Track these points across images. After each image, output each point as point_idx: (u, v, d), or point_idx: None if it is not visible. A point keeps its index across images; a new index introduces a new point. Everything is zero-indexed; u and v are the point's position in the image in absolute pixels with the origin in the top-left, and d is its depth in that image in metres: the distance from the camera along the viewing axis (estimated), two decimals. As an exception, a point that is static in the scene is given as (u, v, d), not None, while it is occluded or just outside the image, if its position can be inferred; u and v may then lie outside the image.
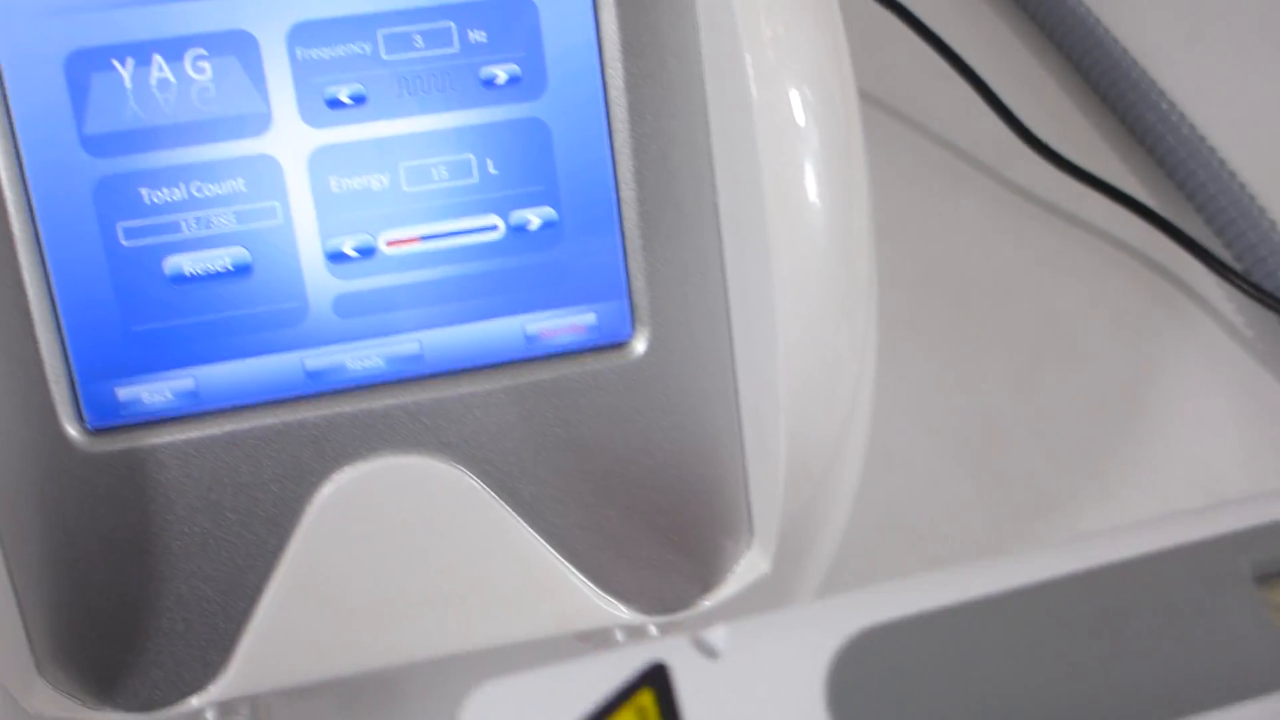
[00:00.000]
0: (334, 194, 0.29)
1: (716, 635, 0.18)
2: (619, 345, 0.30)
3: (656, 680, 0.17)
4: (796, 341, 0.29)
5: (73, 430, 0.29)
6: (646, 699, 0.17)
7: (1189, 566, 0.18)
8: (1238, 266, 0.44)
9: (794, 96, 0.28)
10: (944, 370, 0.43)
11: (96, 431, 0.29)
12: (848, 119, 0.29)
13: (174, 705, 0.30)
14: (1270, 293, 0.42)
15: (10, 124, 0.27)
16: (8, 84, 0.27)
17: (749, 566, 0.31)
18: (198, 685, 0.30)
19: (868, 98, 0.48)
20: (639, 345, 0.30)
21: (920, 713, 0.16)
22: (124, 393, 0.29)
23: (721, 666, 0.17)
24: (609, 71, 0.29)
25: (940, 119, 0.47)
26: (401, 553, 0.30)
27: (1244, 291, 0.43)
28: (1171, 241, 0.44)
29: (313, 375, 0.29)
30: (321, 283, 0.29)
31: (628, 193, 0.29)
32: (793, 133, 0.28)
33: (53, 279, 0.28)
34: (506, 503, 0.30)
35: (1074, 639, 0.17)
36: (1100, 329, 0.43)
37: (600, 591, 0.30)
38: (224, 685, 0.30)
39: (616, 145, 0.29)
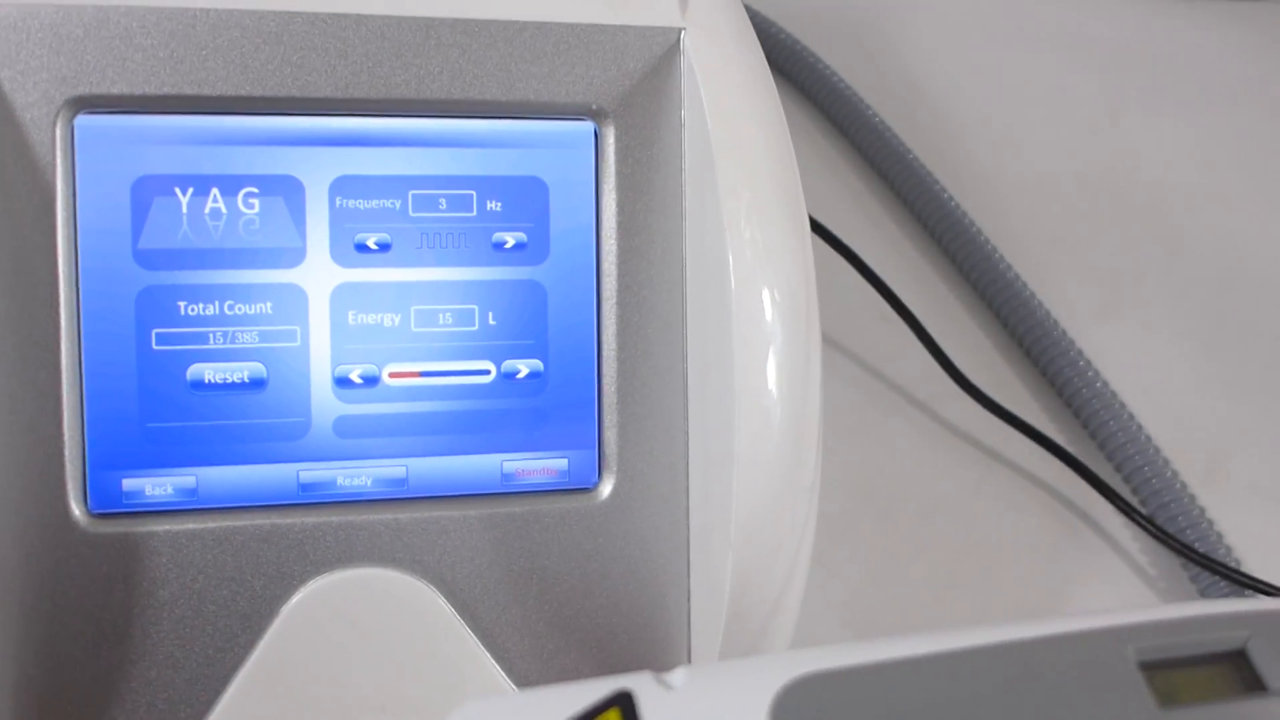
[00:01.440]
0: (349, 325, 0.32)
1: (675, 675, 0.20)
2: (586, 490, 0.33)
3: (622, 703, 0.19)
4: (748, 513, 0.32)
5: (77, 511, 0.31)
6: (613, 716, 0.19)
7: (1084, 648, 0.21)
8: (1143, 509, 0.48)
9: (765, 295, 0.32)
10: (871, 578, 0.46)
11: (99, 515, 0.31)
12: (809, 324, 0.32)
13: (125, 792, 0.31)
14: (1172, 535, 0.46)
15: (75, 231, 0.31)
16: (79, 197, 0.31)
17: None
18: (152, 773, 0.31)
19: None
20: (604, 491, 0.33)
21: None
22: (129, 483, 0.31)
23: (679, 695, 0.20)
24: (604, 247, 0.33)
25: (880, 356, 0.52)
26: (363, 660, 0.32)
27: (1148, 531, 0.47)
28: (1084, 481, 0.48)
29: (305, 487, 0.32)
30: (326, 404, 0.32)
31: (608, 355, 0.33)
32: (763, 327, 0.32)
33: (84, 371, 0.31)
34: (467, 624, 0.32)
35: (981, 698, 0.20)
36: (1015, 555, 0.47)
37: (544, 720, 0.32)
38: (177, 775, 0.31)
39: (603, 312, 0.33)
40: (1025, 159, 0.61)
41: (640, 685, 0.20)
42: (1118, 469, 0.49)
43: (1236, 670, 0.22)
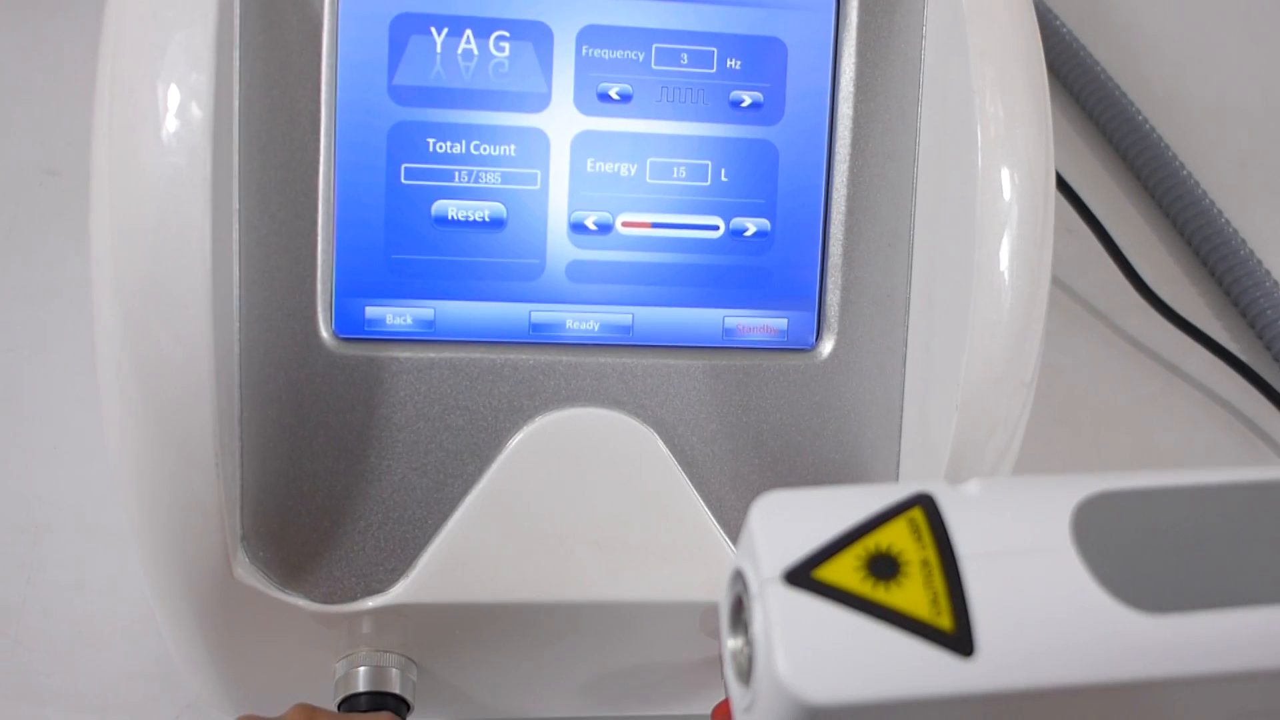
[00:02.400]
0: (587, 173, 0.33)
1: (970, 485, 0.21)
2: (804, 350, 0.34)
3: (925, 502, 0.20)
4: (971, 392, 0.32)
5: (325, 334, 0.32)
6: (917, 514, 0.20)
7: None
8: (1325, 431, 0.47)
9: (1006, 174, 0.31)
10: (1047, 477, 0.46)
11: (344, 339, 0.32)
12: (1045, 209, 0.32)
13: (352, 603, 0.32)
14: (1354, 458, 0.46)
15: (335, 66, 0.32)
16: (341, 31, 0.32)
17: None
18: (378, 588, 0.32)
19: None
20: (822, 352, 0.34)
21: (1154, 552, 0.19)
22: (373, 310, 0.33)
23: (978, 502, 0.20)
24: (839, 111, 0.33)
25: (1064, 266, 0.52)
26: (582, 495, 0.33)
27: (1329, 455, 0.46)
28: (1264, 399, 0.48)
29: (536, 327, 0.33)
30: (560, 248, 0.33)
31: (836, 219, 0.33)
32: (1000, 207, 0.31)
33: (337, 200, 0.32)
34: (683, 468, 0.33)
35: (1262, 523, 0.20)
36: (1190, 468, 0.47)
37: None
38: (402, 590, 0.32)
39: (833, 176, 0.33)
40: (1214, 81, 0.60)
41: (940, 490, 0.20)
42: (1302, 390, 0.48)
43: None
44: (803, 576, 0.19)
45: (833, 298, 0.34)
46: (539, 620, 0.33)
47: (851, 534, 0.20)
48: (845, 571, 0.19)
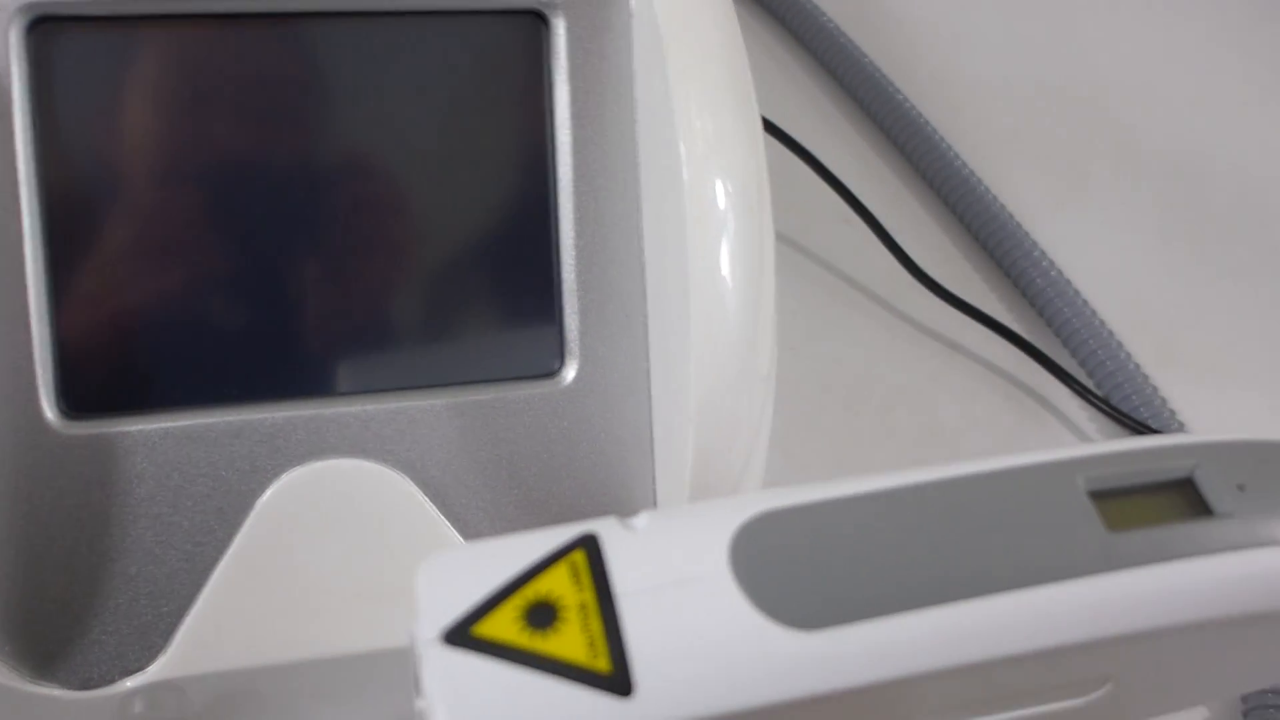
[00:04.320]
0: (310, 223, 0.32)
1: (639, 518, 0.21)
2: (548, 375, 0.34)
3: (587, 544, 0.20)
4: (704, 397, 0.32)
5: (49, 414, 0.31)
6: (578, 556, 0.20)
7: (1034, 479, 0.22)
8: (1097, 389, 0.49)
9: (718, 185, 0.32)
10: (836, 468, 0.47)
11: (70, 418, 0.32)
12: (761, 213, 0.33)
13: (111, 685, 0.31)
14: (1126, 414, 0.48)
15: (37, 129, 0.31)
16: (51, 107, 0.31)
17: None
18: (136, 666, 0.32)
19: (782, 236, 0.54)
20: (566, 376, 0.34)
21: (810, 569, 0.20)
22: (101, 382, 0.32)
23: (642, 535, 0.21)
24: (557, 137, 0.33)
25: (842, 255, 0.53)
26: (339, 549, 0.32)
27: (1103, 412, 0.48)
28: (1040, 367, 0.49)
29: (274, 382, 0.33)
30: (290, 301, 0.33)
31: (566, 244, 0.34)
32: (715, 216, 0.32)
33: (51, 273, 0.31)
34: (440, 510, 0.33)
35: (932, 528, 0.21)
36: (975, 440, 0.48)
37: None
38: (162, 666, 0.31)
39: (559, 202, 0.34)
40: (981, 62, 0.62)
41: (605, 528, 0.21)
42: (1073, 354, 0.50)
43: (1184, 497, 0.23)
44: (461, 635, 0.19)
45: (571, 322, 0.34)
46: (312, 677, 0.33)
47: (510, 585, 0.20)
48: (504, 625, 0.19)
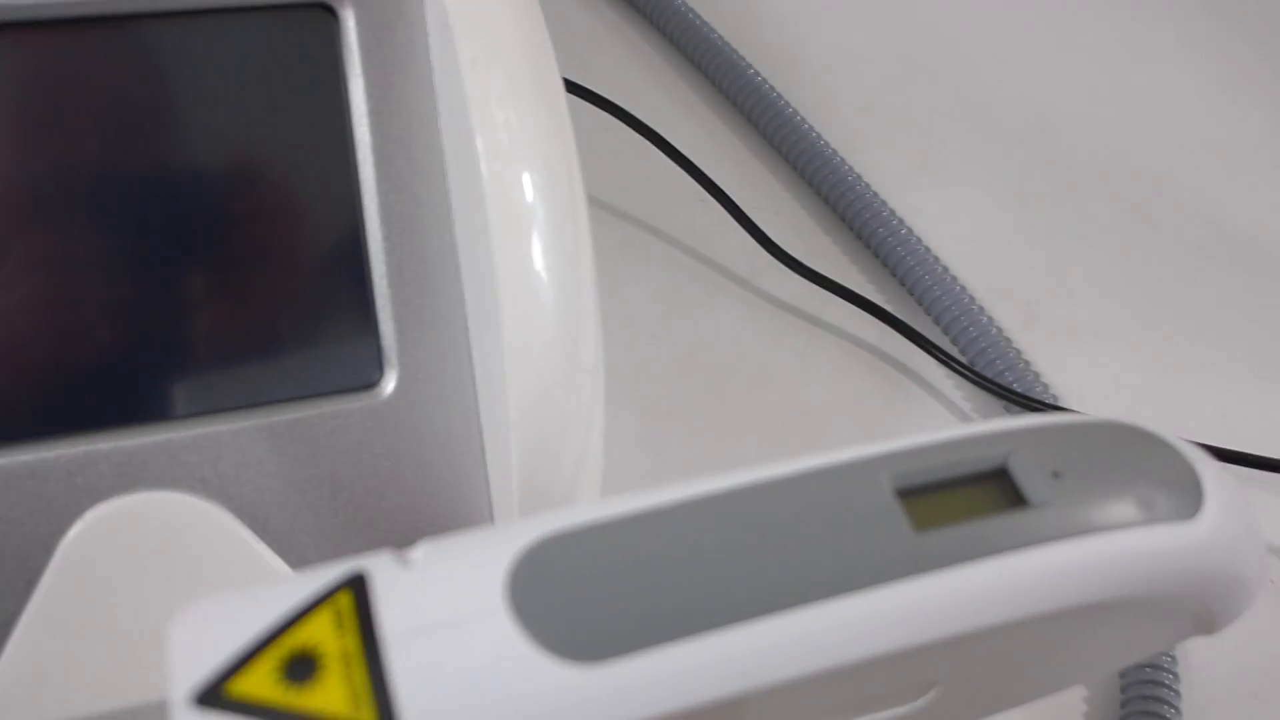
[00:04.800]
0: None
1: (416, 550, 0.19)
2: (367, 388, 0.32)
3: (355, 585, 0.19)
4: (525, 396, 0.31)
5: None
6: (343, 599, 0.18)
7: (839, 481, 0.20)
8: (962, 358, 0.48)
9: (525, 177, 0.30)
10: (701, 455, 0.46)
11: None
12: (574, 202, 0.31)
13: (-88, 753, 0.29)
14: (991, 379, 0.47)
15: None
16: None
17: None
18: (-61, 731, 0.29)
19: (637, 221, 0.52)
20: (385, 389, 0.32)
21: (594, 596, 0.18)
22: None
23: (417, 571, 0.19)
24: (356, 136, 0.32)
25: (700, 237, 0.52)
26: (157, 589, 0.30)
27: (971, 380, 0.47)
28: (904, 338, 0.48)
29: (69, 414, 0.31)
30: (82, 328, 0.30)
31: (375, 249, 0.32)
32: (523, 209, 0.31)
33: None
34: (262, 537, 0.31)
35: (730, 538, 0.19)
36: (842, 414, 0.47)
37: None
38: (-33, 728, 0.29)
39: (364, 204, 0.32)
40: (832, 32, 0.61)
41: (377, 565, 0.19)
42: (936, 321, 0.50)
43: (998, 488, 0.22)
44: (213, 695, 0.17)
45: (387, 330, 0.32)
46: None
47: (268, 636, 0.18)
48: (260, 680, 0.18)
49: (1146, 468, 0.21)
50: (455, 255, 0.32)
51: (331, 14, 0.31)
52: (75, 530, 0.30)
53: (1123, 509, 0.21)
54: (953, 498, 0.21)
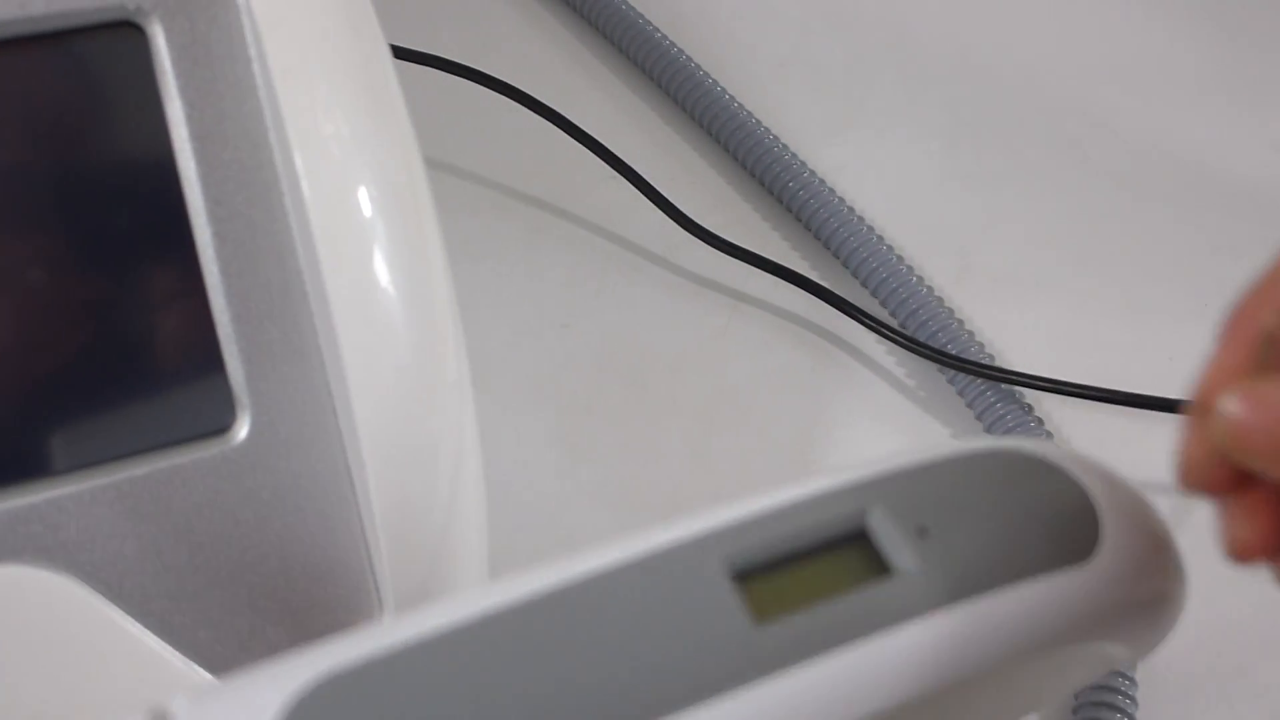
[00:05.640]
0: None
1: (179, 703, 0.17)
2: (216, 436, 0.30)
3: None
4: (377, 423, 0.28)
5: None
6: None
7: (671, 566, 0.18)
8: (894, 323, 0.46)
9: (361, 192, 0.28)
10: (624, 447, 0.43)
11: None
12: (419, 210, 0.29)
13: None
14: (925, 344, 0.45)
15: None
16: None
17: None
18: None
19: (541, 204, 0.50)
20: (239, 434, 0.30)
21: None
22: None
23: (183, 721, 0.17)
24: (180, 161, 0.29)
25: (612, 216, 0.49)
26: (5, 674, 0.28)
27: (903, 345, 0.45)
28: (831, 307, 0.46)
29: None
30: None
31: (213, 285, 0.29)
32: (362, 226, 0.28)
33: None
34: (117, 603, 0.29)
35: (546, 655, 0.17)
36: (770, 391, 0.45)
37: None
38: None
39: (196, 237, 0.29)
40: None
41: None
42: (864, 285, 0.47)
43: (856, 555, 0.19)
44: None
45: (234, 369, 0.30)
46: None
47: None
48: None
49: (1029, 508, 0.19)
50: (301, 282, 0.30)
51: (139, 31, 0.29)
52: (-89, 618, 0.28)
53: (1000, 567, 0.18)
54: (803, 573, 0.19)
